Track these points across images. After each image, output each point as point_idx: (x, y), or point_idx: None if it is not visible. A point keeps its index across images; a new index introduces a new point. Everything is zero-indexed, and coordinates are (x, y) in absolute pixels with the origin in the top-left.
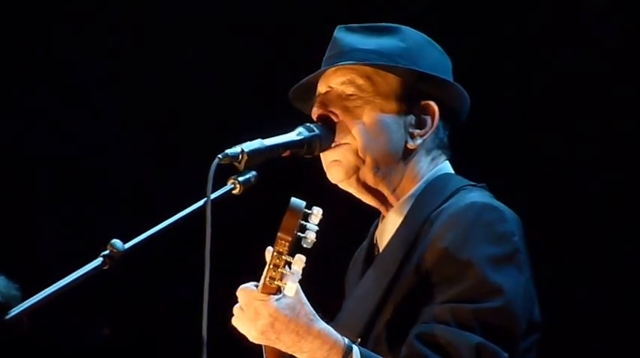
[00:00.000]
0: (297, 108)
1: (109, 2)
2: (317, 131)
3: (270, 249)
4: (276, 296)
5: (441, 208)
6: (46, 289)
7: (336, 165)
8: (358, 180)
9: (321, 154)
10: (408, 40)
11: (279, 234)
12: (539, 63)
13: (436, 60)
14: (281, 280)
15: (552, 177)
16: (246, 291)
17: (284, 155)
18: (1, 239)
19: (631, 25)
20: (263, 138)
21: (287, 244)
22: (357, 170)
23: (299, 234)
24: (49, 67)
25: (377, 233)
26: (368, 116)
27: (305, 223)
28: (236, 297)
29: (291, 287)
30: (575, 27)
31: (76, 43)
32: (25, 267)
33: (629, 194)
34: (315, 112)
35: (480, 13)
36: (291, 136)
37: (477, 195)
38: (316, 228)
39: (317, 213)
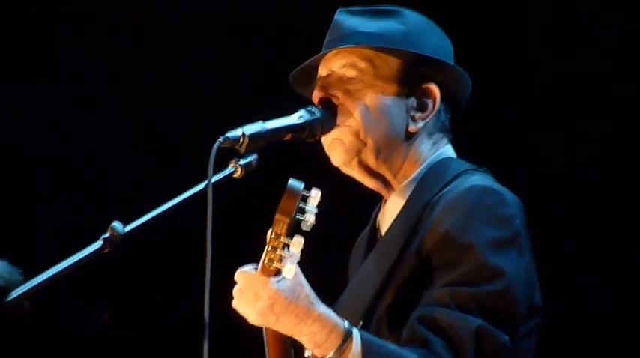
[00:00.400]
0: (298, 92)
1: (109, 2)
2: (318, 114)
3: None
4: (275, 279)
5: (442, 192)
6: (46, 271)
7: (338, 144)
8: (360, 162)
9: (323, 137)
10: (409, 23)
11: (276, 215)
12: (538, 61)
13: (438, 43)
14: (280, 262)
15: (551, 176)
16: (244, 274)
17: (285, 138)
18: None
19: (631, 24)
20: (264, 120)
21: (285, 226)
22: (358, 152)
23: (298, 216)
24: (48, 66)
25: (379, 217)
26: (369, 99)
27: (304, 205)
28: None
29: (290, 269)
30: (574, 27)
31: (75, 43)
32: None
33: (628, 194)
34: (316, 95)
35: (480, 13)
36: (293, 119)
37: (478, 179)
38: (315, 210)
39: (315, 196)
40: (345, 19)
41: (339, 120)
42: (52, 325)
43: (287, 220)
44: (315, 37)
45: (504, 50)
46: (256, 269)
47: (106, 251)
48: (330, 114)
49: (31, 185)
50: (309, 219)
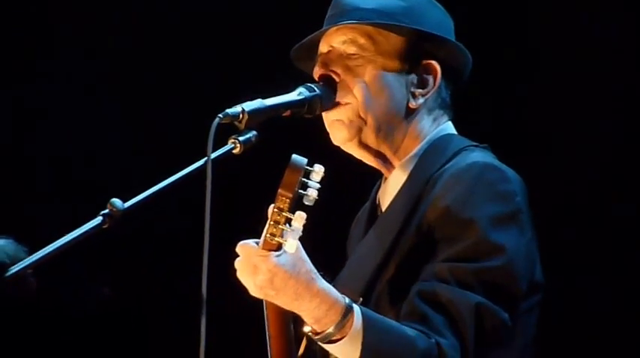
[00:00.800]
0: (298, 68)
1: (110, 2)
2: (318, 91)
3: (272, 206)
4: (276, 253)
5: (443, 168)
6: (47, 247)
7: (339, 124)
8: (360, 142)
9: (323, 114)
10: None
11: (279, 190)
12: (538, 59)
13: (439, 19)
14: (281, 237)
15: (550, 178)
16: (245, 246)
17: (284, 115)
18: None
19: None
20: (263, 98)
21: (288, 201)
22: (359, 131)
23: (300, 191)
24: (49, 65)
25: (379, 193)
26: (369, 75)
27: (306, 180)
28: (236, 254)
29: (292, 243)
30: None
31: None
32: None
33: (627, 195)
34: (316, 72)
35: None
36: (292, 96)
37: (480, 155)
38: (318, 185)
39: (318, 171)
40: None
41: (338, 96)
42: (52, 299)
43: (290, 195)
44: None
45: (504, 44)
46: (258, 243)
47: (105, 226)
48: (329, 91)
49: (31, 185)
50: (312, 194)
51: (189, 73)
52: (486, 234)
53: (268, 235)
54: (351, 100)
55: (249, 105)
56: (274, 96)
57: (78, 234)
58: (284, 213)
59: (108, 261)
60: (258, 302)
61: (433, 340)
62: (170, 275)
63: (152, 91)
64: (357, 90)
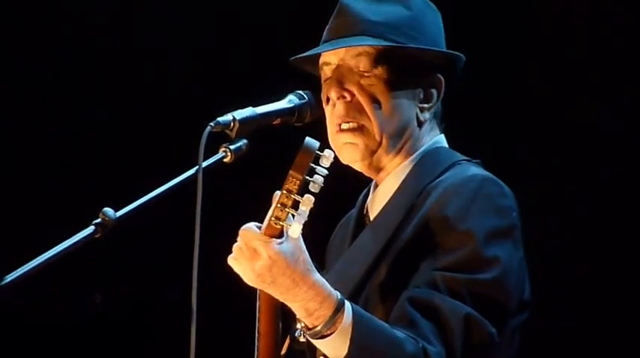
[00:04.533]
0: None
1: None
2: (307, 98)
3: (277, 192)
4: (278, 240)
5: (437, 180)
6: (37, 258)
7: (353, 148)
8: (371, 163)
9: (334, 135)
10: (412, 6)
11: (290, 171)
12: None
13: (437, 25)
14: (286, 221)
15: (550, 179)
16: (248, 231)
17: (275, 123)
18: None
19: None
20: (254, 106)
21: (298, 183)
22: (372, 153)
23: (307, 176)
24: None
25: (368, 201)
26: (382, 95)
27: (315, 166)
28: (229, 249)
29: (296, 228)
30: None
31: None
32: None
33: (627, 197)
34: (329, 89)
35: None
36: (282, 104)
37: (476, 169)
38: (326, 171)
39: (329, 156)
40: (351, 1)
41: (351, 116)
42: (43, 309)
43: (300, 177)
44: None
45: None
46: (260, 228)
47: (97, 236)
48: (319, 97)
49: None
50: (318, 180)
51: (181, 81)
52: (482, 246)
53: (273, 218)
54: (366, 123)
55: (240, 114)
56: (264, 103)
57: (70, 243)
58: (292, 196)
59: (99, 268)
60: (248, 311)
61: (421, 345)
62: (161, 283)
63: (143, 99)
64: (371, 113)
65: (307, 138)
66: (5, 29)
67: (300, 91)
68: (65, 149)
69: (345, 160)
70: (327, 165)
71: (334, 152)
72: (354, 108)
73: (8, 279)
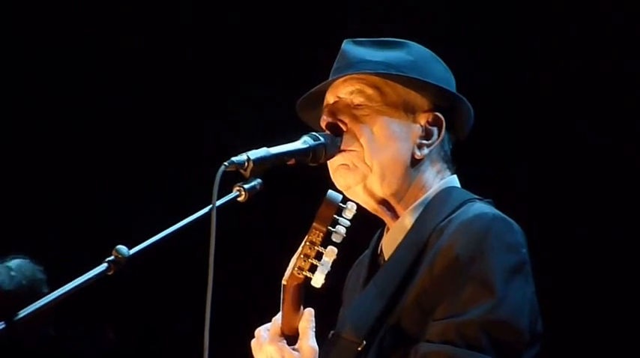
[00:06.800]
0: (303, 120)
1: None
2: (322, 139)
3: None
4: (290, 348)
5: (449, 218)
6: (50, 294)
7: (344, 170)
8: (365, 187)
9: (328, 162)
10: (415, 53)
11: (314, 223)
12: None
13: (443, 73)
14: (309, 271)
15: (549, 184)
16: (262, 335)
17: (289, 163)
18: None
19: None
20: (268, 147)
21: (321, 235)
22: (364, 177)
23: (329, 227)
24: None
25: (382, 242)
26: (376, 124)
27: (338, 217)
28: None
29: (319, 278)
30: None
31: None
32: None
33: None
34: (323, 120)
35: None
36: (297, 144)
37: (486, 207)
38: (348, 223)
39: (351, 208)
40: (351, 48)
41: (344, 144)
42: (56, 345)
43: (323, 229)
44: (320, 49)
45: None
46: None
47: (110, 273)
48: (334, 140)
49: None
50: (341, 231)
51: (195, 120)
52: (494, 285)
53: (296, 269)
54: (357, 148)
55: (255, 154)
56: (279, 144)
57: (83, 280)
58: (316, 247)
59: (110, 304)
60: None
61: None
62: (174, 320)
63: (157, 137)
64: (364, 140)
65: (330, 191)
66: (6, 30)
67: (316, 133)
68: (78, 186)
69: (339, 185)
70: (350, 216)
71: (356, 204)
72: (348, 137)
73: (21, 315)
